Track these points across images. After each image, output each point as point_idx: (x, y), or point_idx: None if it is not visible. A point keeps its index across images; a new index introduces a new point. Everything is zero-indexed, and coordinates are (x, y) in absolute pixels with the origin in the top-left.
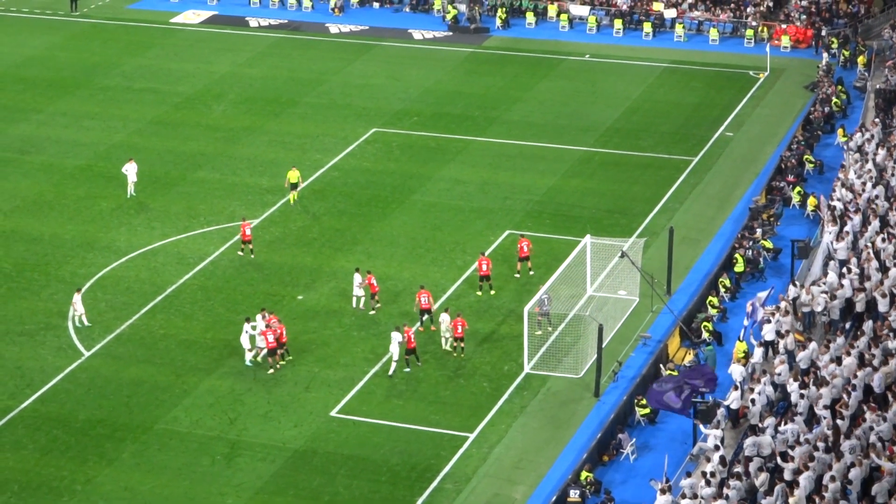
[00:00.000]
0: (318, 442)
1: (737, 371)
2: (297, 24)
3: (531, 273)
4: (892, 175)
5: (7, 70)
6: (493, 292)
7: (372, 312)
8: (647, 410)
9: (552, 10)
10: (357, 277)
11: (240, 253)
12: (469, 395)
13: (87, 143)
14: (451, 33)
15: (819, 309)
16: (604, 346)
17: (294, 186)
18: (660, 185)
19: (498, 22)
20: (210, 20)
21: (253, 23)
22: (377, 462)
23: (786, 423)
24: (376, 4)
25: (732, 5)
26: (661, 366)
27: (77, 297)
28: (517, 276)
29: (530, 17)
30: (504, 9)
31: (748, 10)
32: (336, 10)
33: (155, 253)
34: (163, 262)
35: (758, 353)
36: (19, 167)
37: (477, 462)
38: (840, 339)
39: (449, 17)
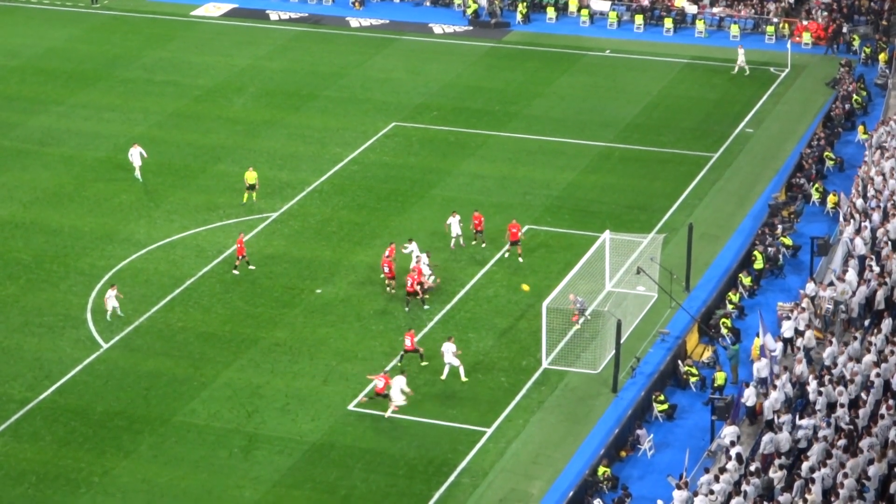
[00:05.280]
0: (336, 435)
1: (759, 368)
2: (318, 17)
3: (520, 260)
4: None
5: (28, 62)
6: (521, 259)
7: (483, 245)
8: (665, 406)
9: (573, 4)
10: (455, 219)
11: (235, 272)
12: (486, 390)
13: (108, 136)
14: (471, 28)
15: (829, 309)
16: (622, 341)
17: (251, 188)
18: (680, 181)
19: (518, 17)
20: (231, 13)
21: (273, 16)
22: (394, 456)
23: (801, 419)
24: None
25: (754, 1)
26: (680, 362)
27: (111, 293)
28: (506, 255)
29: (551, 12)
30: (525, 3)
31: (769, 6)
32: (356, 3)
33: (174, 245)
34: (182, 255)
35: (778, 349)
36: (39, 159)
37: (494, 457)
38: (857, 336)
39: (469, 11)
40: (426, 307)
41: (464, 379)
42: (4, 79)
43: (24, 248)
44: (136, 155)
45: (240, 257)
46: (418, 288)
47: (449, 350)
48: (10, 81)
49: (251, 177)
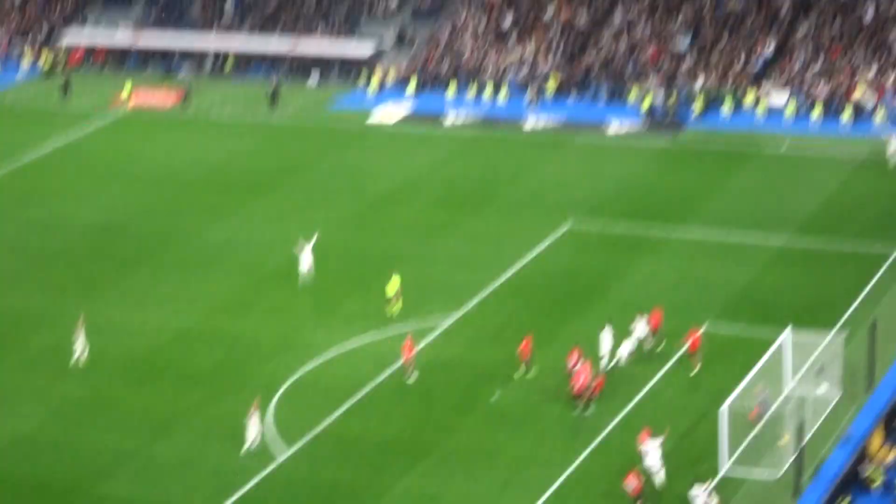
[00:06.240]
0: None
1: None
2: (493, 118)
3: (696, 369)
4: None
5: (210, 171)
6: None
7: (661, 346)
8: None
9: (749, 98)
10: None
11: (413, 375)
12: (666, 493)
13: (286, 243)
14: (646, 125)
15: None
16: (804, 443)
17: (393, 298)
18: (861, 277)
19: (694, 112)
20: (407, 118)
21: (449, 119)
22: None
23: None
24: (572, 97)
25: None
26: (863, 465)
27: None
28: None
29: (727, 107)
30: (701, 98)
31: None
32: (532, 102)
33: (352, 352)
34: (360, 361)
35: None
36: (220, 268)
37: None
38: None
39: (644, 107)
40: (588, 412)
41: (657, 486)
42: (187, 188)
43: (205, 356)
44: (306, 253)
45: (407, 362)
46: (591, 388)
47: (653, 445)
48: (193, 189)
49: (393, 286)
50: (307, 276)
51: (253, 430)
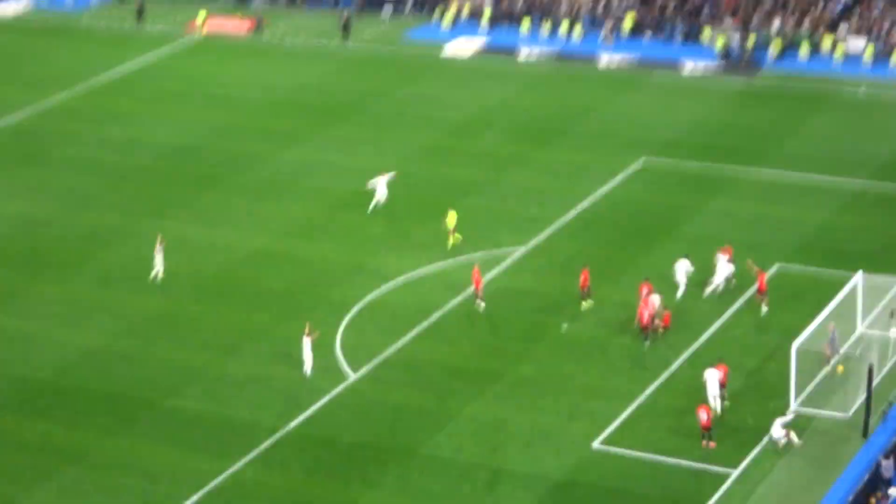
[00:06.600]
0: (579, 473)
1: None
2: (568, 54)
3: (765, 310)
4: None
5: (284, 96)
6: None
7: (732, 282)
8: None
9: (827, 42)
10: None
11: (481, 304)
12: (732, 430)
13: (359, 169)
14: (722, 65)
15: None
16: (874, 385)
17: (452, 231)
18: None
19: (771, 54)
20: (481, 51)
21: (523, 53)
22: (637, 496)
23: None
24: (647, 35)
25: None
26: None
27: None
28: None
29: (804, 50)
30: (778, 42)
31: None
32: (607, 40)
33: (422, 279)
34: (430, 288)
35: None
36: (292, 191)
37: (739, 501)
38: None
39: (719, 47)
40: (653, 342)
41: (718, 412)
42: (261, 112)
43: (275, 277)
44: (381, 186)
45: (476, 291)
46: (657, 322)
47: (713, 377)
48: (266, 115)
49: (451, 220)
50: (379, 206)
51: (307, 355)
